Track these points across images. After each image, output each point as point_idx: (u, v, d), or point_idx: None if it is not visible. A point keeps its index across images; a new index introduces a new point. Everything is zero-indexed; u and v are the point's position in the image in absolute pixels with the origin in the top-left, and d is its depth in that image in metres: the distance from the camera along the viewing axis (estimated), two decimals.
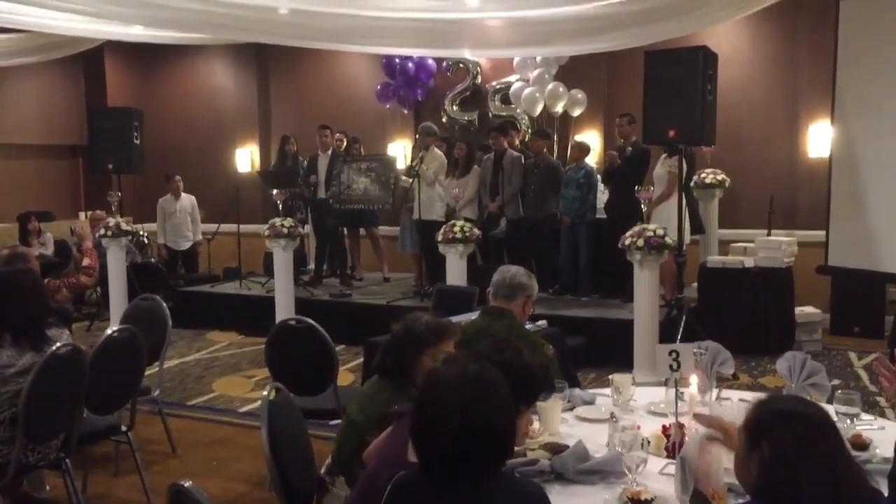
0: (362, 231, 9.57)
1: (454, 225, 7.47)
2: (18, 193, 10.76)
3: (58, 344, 3.59)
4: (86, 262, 5.00)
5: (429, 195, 8.30)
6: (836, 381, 5.90)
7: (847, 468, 1.71)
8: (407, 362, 2.76)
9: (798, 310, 7.47)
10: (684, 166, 6.89)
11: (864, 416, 2.93)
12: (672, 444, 2.57)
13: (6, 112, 10.87)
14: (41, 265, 5.19)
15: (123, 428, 4.24)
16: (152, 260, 10.22)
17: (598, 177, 8.32)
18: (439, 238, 7.48)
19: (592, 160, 8.96)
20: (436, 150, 8.52)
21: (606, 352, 6.87)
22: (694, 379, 2.69)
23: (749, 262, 7.47)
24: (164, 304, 5.10)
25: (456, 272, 7.44)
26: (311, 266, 9.77)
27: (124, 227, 8.47)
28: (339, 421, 3.89)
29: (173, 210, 10.27)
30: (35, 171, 11.46)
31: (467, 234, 7.41)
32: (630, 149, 7.79)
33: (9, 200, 10.52)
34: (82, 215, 11.08)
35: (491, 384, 1.87)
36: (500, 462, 1.88)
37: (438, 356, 2.64)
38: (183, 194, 10.32)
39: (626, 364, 6.18)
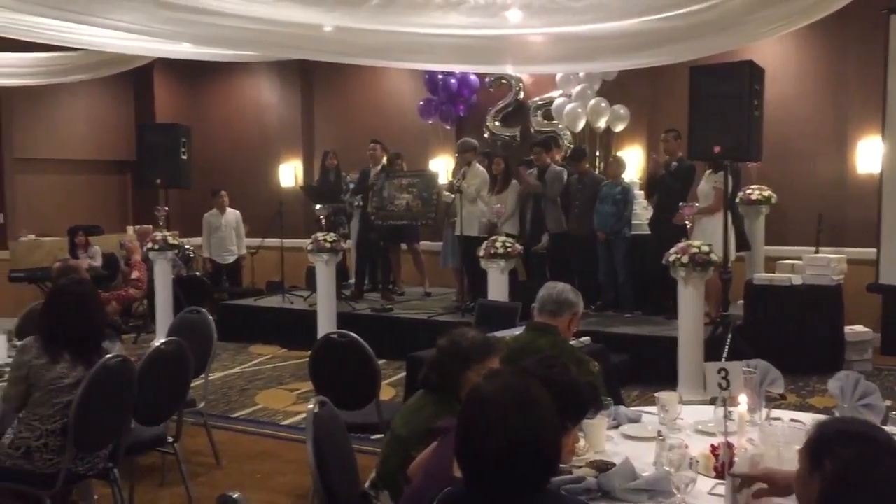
0: (403, 246, 9.62)
1: (496, 240, 7.47)
2: (69, 207, 11.01)
3: (108, 355, 3.66)
4: (135, 274, 5.10)
5: (469, 211, 8.30)
6: (887, 403, 5.74)
7: None
8: (452, 377, 2.77)
9: (847, 329, 7.31)
10: (730, 182, 6.81)
11: None
12: (721, 464, 2.52)
13: (59, 128, 11.14)
14: (90, 278, 5.32)
15: (170, 439, 4.30)
16: (197, 273, 10.37)
17: (636, 192, 8.28)
18: (481, 253, 7.49)
19: (636, 175, 8.91)
20: (478, 165, 8.53)
21: (649, 369, 6.79)
22: (743, 398, 2.64)
23: (797, 280, 7.34)
24: (210, 318, 5.16)
25: (498, 287, 7.43)
26: (353, 280, 9.84)
27: (171, 241, 8.61)
28: (381, 435, 3.90)
29: (218, 224, 10.42)
30: (85, 186, 11.72)
31: (509, 249, 7.40)
32: (675, 164, 7.72)
33: (60, 214, 10.77)
34: (130, 229, 11.29)
35: (534, 399, 1.85)
36: (545, 478, 1.86)
37: (484, 372, 2.64)
38: (228, 209, 10.48)
39: (669, 382, 6.12)
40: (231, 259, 10.51)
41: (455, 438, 1.88)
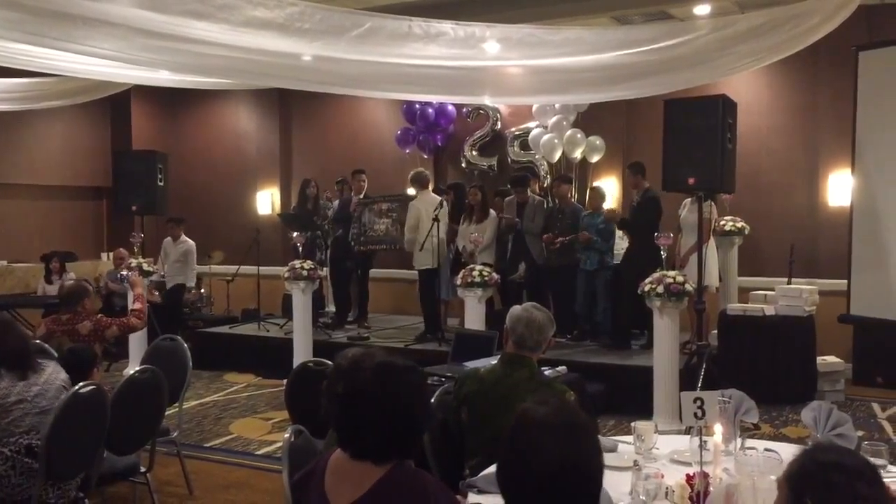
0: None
1: (473, 269, 7.50)
2: (43, 233, 10.90)
3: (81, 384, 3.63)
4: (137, 305, 5.18)
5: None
6: (859, 433, 5.80)
7: None
8: None
9: (820, 359, 7.39)
10: (714, 213, 6.91)
11: (891, 468, 2.88)
12: (697, 494, 2.54)
13: (34, 154, 11.06)
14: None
15: (142, 469, 4.25)
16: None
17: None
18: (458, 282, 7.52)
19: (611, 206, 8.99)
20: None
21: (625, 399, 6.82)
22: (718, 428, 2.67)
23: (770, 311, 7.42)
24: (186, 346, 5.12)
25: (474, 316, 7.44)
26: (330, 308, 9.78)
27: (146, 268, 8.54)
28: None
29: (169, 252, 9.94)
30: (60, 212, 11.62)
31: (486, 278, 7.43)
32: (638, 198, 7.82)
33: (34, 240, 10.66)
34: (104, 256, 11.19)
35: (584, 426, 1.85)
36: None
37: None
38: (182, 237, 9.95)
39: (645, 412, 6.14)
40: (171, 284, 9.80)
41: (500, 458, 1.87)
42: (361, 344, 8.36)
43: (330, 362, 4.27)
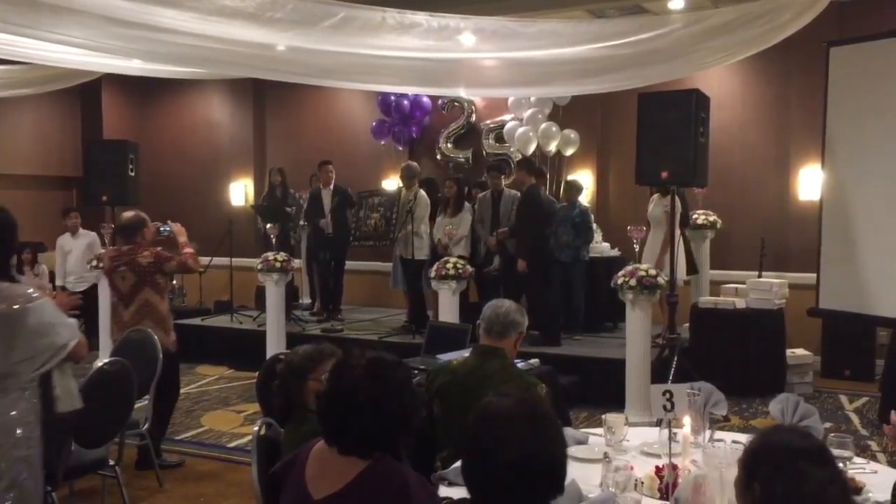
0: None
1: (447, 262, 7.49)
2: None
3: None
4: (188, 250, 5.11)
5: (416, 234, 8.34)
6: (827, 424, 5.86)
7: None
8: (296, 393, 2.93)
9: (789, 352, 7.48)
10: (679, 206, 6.96)
11: (857, 460, 2.92)
12: (666, 486, 2.56)
13: (2, 143, 10.89)
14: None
15: (111, 462, 4.20)
16: None
17: (592, 216, 8.40)
18: (432, 274, 7.51)
19: (585, 200, 9.02)
20: (422, 192, 8.56)
21: (598, 391, 6.86)
22: (687, 420, 2.69)
23: (741, 304, 7.49)
24: (155, 337, 5.06)
25: (448, 309, 7.45)
26: (303, 300, 9.73)
27: None
28: None
29: (70, 249, 9.57)
30: (29, 202, 11.40)
31: (460, 270, 7.43)
32: (519, 195, 7.92)
33: None
34: None
35: (545, 415, 1.86)
36: (552, 495, 1.83)
37: (321, 377, 2.78)
38: (82, 231, 9.64)
39: (617, 403, 6.18)
40: (83, 287, 9.24)
41: (464, 454, 1.87)
42: (327, 337, 8.33)
43: None
